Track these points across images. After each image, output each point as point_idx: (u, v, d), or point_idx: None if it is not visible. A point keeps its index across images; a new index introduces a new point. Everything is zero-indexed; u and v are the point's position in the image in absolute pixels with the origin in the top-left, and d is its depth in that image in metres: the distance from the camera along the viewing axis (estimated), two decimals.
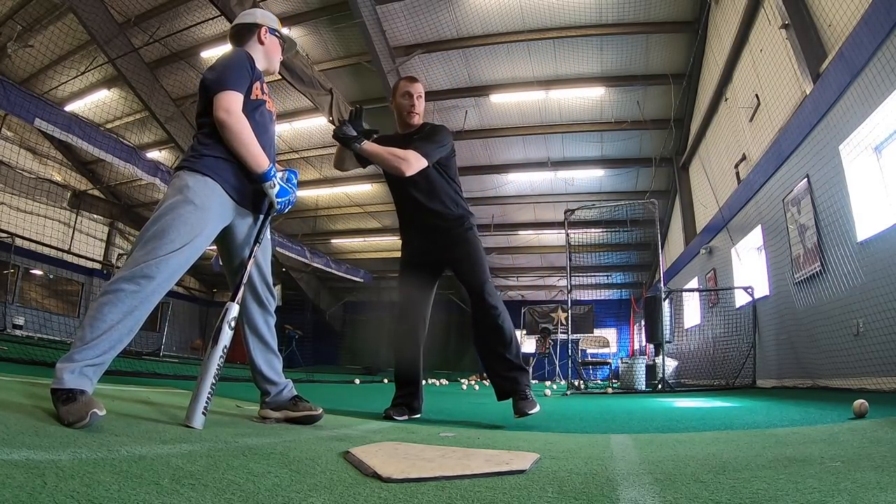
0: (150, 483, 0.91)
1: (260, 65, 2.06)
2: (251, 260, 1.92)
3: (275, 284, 2.12)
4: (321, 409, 1.99)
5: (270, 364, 2.02)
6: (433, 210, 2.58)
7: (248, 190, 1.90)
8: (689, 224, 11.30)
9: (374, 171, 12.35)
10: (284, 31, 2.19)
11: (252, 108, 1.91)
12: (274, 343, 2.06)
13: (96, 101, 10.60)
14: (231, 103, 1.79)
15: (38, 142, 12.06)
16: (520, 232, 15.18)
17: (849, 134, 4.54)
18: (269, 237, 2.06)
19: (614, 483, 1.10)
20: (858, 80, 4.30)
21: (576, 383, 7.04)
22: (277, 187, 1.90)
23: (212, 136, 1.84)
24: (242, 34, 2.07)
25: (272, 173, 1.87)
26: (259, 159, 1.84)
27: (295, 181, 2.05)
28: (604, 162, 12.11)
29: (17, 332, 10.42)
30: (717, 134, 8.93)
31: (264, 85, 2.00)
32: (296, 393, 2.06)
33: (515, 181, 12.97)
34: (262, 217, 2.00)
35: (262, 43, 2.06)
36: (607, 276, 16.30)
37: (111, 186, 14.22)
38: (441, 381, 9.23)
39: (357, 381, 7.45)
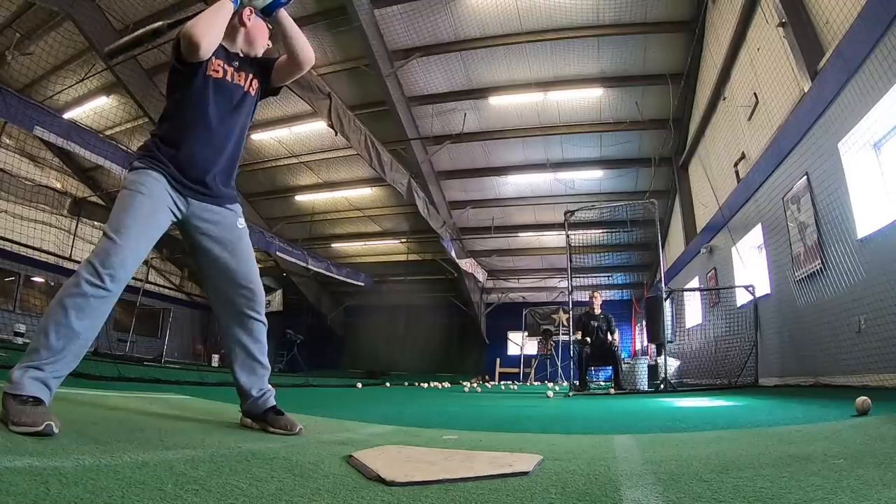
0: (154, 489, 0.91)
1: (239, 46, 1.98)
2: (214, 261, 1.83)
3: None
4: (300, 428, 1.84)
5: (248, 372, 1.90)
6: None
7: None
8: (689, 224, 11.28)
9: (373, 175, 12.23)
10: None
11: (206, 85, 1.83)
12: (257, 349, 1.92)
13: (95, 108, 10.60)
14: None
15: (37, 148, 12.07)
16: (520, 234, 15.16)
17: (847, 131, 4.54)
18: (242, 227, 1.92)
19: (617, 483, 1.10)
20: (856, 77, 4.31)
21: (577, 383, 7.02)
22: None
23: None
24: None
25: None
26: (221, 4, 1.78)
27: None
28: (603, 163, 12.11)
29: (18, 340, 10.41)
30: (716, 133, 8.93)
31: (221, 63, 1.89)
32: (274, 404, 1.92)
33: (515, 183, 12.96)
34: (224, 208, 1.88)
35: (244, 25, 1.97)
36: (608, 276, 16.28)
37: (111, 193, 14.24)
38: (443, 383, 9.22)
39: (359, 385, 7.44)
